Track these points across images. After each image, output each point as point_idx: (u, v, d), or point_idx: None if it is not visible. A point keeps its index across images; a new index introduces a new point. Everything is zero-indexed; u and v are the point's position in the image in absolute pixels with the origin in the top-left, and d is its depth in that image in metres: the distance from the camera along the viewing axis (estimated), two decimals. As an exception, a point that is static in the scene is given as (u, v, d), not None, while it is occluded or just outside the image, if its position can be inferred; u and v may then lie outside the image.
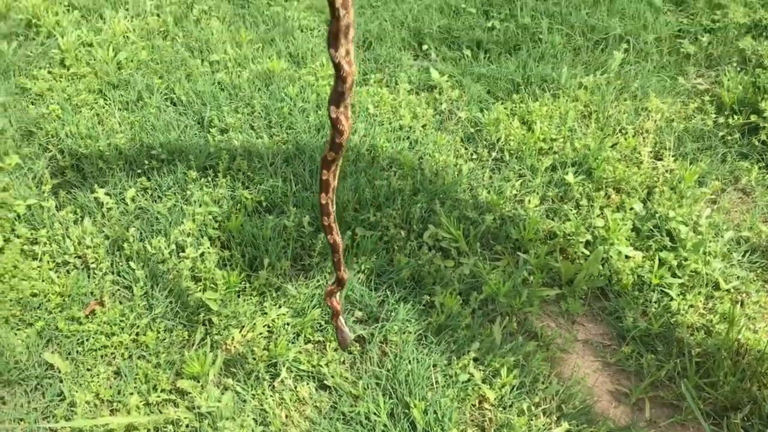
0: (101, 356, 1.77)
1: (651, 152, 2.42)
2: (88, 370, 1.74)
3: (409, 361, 1.74)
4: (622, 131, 2.50)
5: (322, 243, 2.04)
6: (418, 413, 1.63)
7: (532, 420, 1.65)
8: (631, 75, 2.73)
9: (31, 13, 2.85)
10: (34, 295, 1.88)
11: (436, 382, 1.72)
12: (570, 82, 2.68)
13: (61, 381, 1.70)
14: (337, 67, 1.09)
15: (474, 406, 1.71)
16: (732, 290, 1.99)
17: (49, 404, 1.66)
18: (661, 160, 2.40)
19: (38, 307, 1.86)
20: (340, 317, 1.57)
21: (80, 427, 1.54)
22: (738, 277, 2.01)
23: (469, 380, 1.73)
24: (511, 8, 3.02)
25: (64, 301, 1.88)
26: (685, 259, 2.05)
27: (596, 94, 2.62)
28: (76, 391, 1.67)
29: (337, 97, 1.13)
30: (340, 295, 1.60)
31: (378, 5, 3.13)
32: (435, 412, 1.63)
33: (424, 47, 2.92)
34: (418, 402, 1.64)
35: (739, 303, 1.97)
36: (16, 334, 1.83)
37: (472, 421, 1.68)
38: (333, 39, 1.06)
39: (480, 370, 1.75)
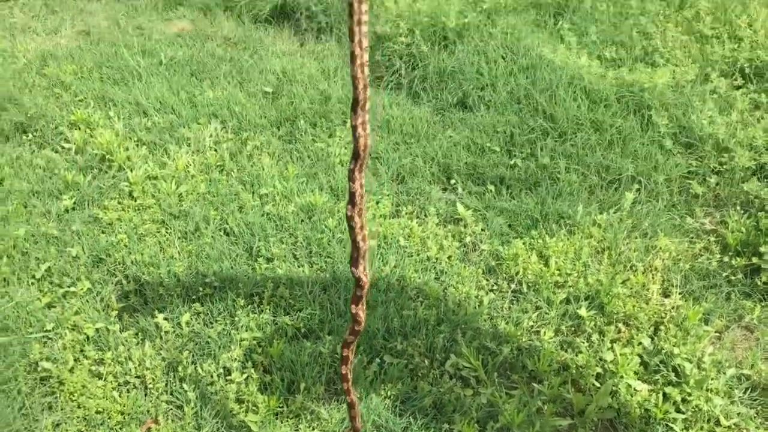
0: (154, 471, 2.00)
1: (659, 289, 2.62)
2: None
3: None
4: (633, 268, 2.71)
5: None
6: None
7: None
8: (642, 213, 2.97)
9: (105, 149, 3.24)
10: (98, 412, 2.13)
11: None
12: (585, 219, 2.93)
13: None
14: (358, 280, 1.48)
15: None
16: (732, 426, 2.14)
17: None
18: (668, 297, 2.60)
19: (101, 424, 2.11)
20: None
21: None
22: (738, 414, 2.17)
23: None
24: (532, 148, 3.31)
25: (124, 418, 2.12)
26: (689, 395, 2.22)
27: (609, 232, 2.86)
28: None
29: (356, 298, 1.51)
30: None
31: (411, 142, 3.46)
32: None
33: (452, 181, 3.21)
34: None
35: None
36: (80, 447, 2.06)
37: None
38: (354, 260, 1.44)
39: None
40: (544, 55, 3.77)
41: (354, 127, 1.38)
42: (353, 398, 1.75)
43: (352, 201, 1.43)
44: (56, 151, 3.29)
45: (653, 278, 2.66)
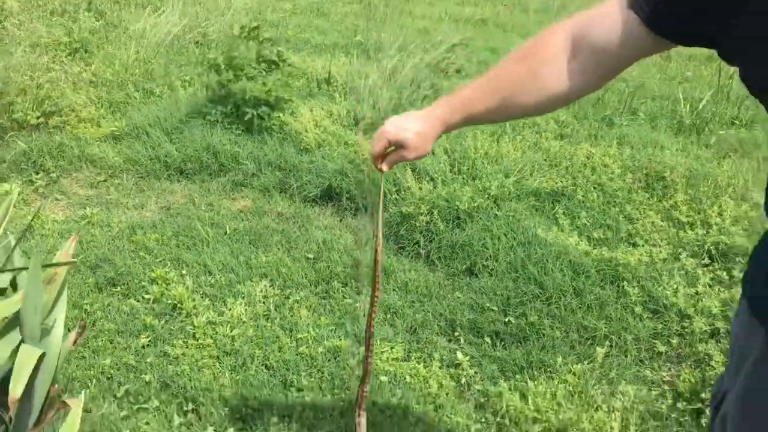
0: None
1: (619, 426, 3.16)
2: None
3: None
4: (598, 408, 3.27)
5: None
6: None
7: None
8: (612, 365, 3.56)
9: (177, 299, 4.04)
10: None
11: None
12: (563, 367, 3.53)
13: None
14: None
15: None
16: None
17: None
18: (625, 432, 3.14)
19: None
20: None
21: None
22: None
23: None
24: (524, 309, 3.99)
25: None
26: None
27: (582, 379, 3.45)
28: None
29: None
30: None
31: (424, 301, 4.18)
32: None
33: (456, 333, 3.87)
34: None
35: None
36: None
37: None
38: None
39: None
40: (538, 234, 4.55)
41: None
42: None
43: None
44: (138, 301, 4.11)
45: (614, 417, 3.20)
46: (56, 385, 2.72)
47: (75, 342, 2.99)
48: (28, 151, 5.92)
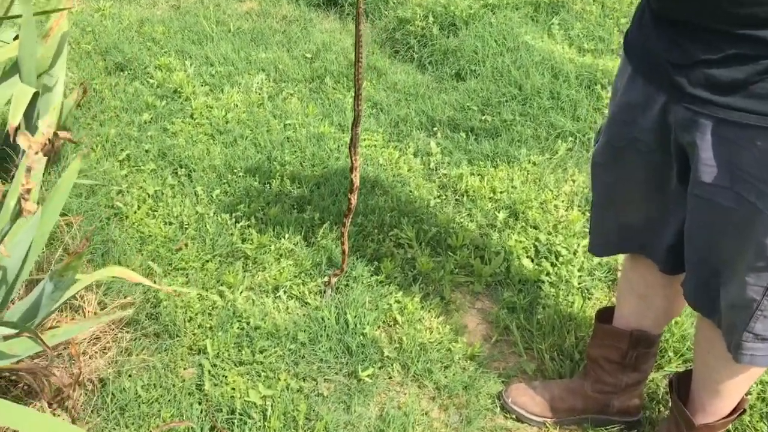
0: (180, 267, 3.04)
1: (563, 205, 3.48)
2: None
3: (357, 294, 2.89)
4: (549, 191, 3.58)
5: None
6: (351, 318, 2.76)
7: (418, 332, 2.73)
8: (571, 158, 3.83)
9: (178, 84, 4.35)
10: (149, 236, 3.19)
11: (368, 303, 2.84)
12: (525, 158, 3.82)
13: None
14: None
15: (386, 323, 2.82)
16: (581, 287, 3.00)
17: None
18: (567, 211, 3.46)
19: (151, 242, 3.17)
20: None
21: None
22: (587, 280, 3.02)
23: (388, 308, 2.84)
24: (501, 109, 4.22)
25: (165, 241, 3.17)
26: (559, 269, 3.09)
27: (540, 167, 3.74)
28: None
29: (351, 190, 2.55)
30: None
31: (410, 100, 4.42)
32: (361, 318, 2.76)
33: (434, 128, 4.15)
34: (353, 313, 2.78)
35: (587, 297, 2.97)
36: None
37: (384, 330, 2.79)
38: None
39: (397, 303, 2.87)
40: (527, 42, 4.67)
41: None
42: (345, 247, 2.78)
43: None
44: (143, 84, 4.43)
45: (561, 198, 3.52)
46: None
47: (78, 101, 3.35)
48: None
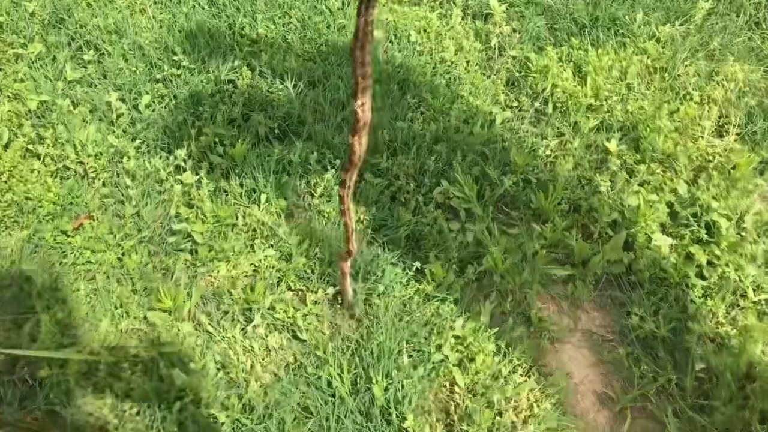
0: (82, 273, 1.77)
1: (713, 126, 2.14)
2: (69, 284, 1.74)
3: (384, 330, 1.66)
4: (687, 97, 2.21)
5: (325, 183, 1.93)
6: (378, 390, 1.56)
7: (498, 416, 1.56)
8: (715, 29, 2.39)
9: None
10: (29, 198, 1.88)
11: (408, 356, 1.63)
12: (642, 29, 2.38)
13: (39, 295, 1.71)
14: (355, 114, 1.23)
15: (444, 388, 1.63)
16: (762, 302, 1.79)
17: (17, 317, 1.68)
18: (722, 137, 2.13)
19: (31, 212, 1.86)
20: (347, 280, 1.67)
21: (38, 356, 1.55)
22: (772, 290, 1.80)
23: (442, 361, 1.64)
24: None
25: (56, 209, 1.87)
26: (718, 258, 1.85)
27: (668, 48, 2.32)
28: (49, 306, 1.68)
29: (354, 129, 1.26)
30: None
31: None
32: (396, 391, 1.56)
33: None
34: (380, 379, 1.57)
35: (765, 318, 1.77)
36: (10, 234, 1.84)
37: (437, 405, 1.60)
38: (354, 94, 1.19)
39: (457, 351, 1.66)
40: None
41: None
42: (348, 221, 1.48)
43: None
44: None
45: (709, 112, 2.17)
46: None
47: None
48: None
